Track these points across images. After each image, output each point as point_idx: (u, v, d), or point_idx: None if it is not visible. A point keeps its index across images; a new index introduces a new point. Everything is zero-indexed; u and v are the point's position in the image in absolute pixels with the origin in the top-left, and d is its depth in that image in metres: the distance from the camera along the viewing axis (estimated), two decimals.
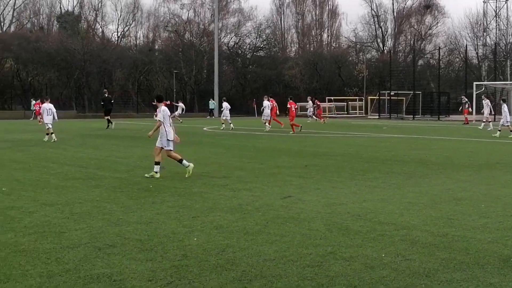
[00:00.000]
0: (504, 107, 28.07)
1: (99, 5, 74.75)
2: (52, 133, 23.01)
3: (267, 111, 32.10)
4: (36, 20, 74.41)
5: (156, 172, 12.27)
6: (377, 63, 73.66)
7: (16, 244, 6.56)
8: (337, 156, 16.86)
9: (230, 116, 34.63)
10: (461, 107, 43.55)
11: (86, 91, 66.72)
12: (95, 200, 9.44)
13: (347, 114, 64.15)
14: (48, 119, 23.32)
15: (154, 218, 8.01)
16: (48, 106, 23.81)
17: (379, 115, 58.14)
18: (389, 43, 79.09)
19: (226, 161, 15.55)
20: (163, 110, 12.58)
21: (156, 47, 76.54)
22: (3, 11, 71.06)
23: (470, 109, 43.81)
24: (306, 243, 6.58)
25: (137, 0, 75.15)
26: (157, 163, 12.35)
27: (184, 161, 12.45)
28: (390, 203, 9.07)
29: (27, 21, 73.88)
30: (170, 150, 12.57)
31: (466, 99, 44.06)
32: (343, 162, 15.24)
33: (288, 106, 31.92)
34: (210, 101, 59.99)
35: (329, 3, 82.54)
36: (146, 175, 12.34)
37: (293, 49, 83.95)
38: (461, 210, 8.52)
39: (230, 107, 35.05)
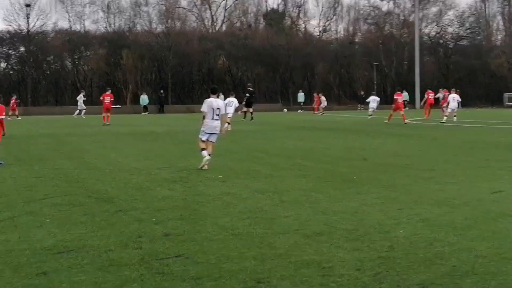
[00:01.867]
0: None
1: (302, 1, 76.70)
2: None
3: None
4: (244, 19, 78.57)
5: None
6: None
7: (232, 228, 6.99)
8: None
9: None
10: None
11: (291, 84, 69.02)
12: (302, 189, 9.73)
13: None
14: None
15: (359, 208, 8.05)
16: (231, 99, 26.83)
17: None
18: None
19: (431, 154, 15.06)
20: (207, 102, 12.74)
21: (356, 40, 76.50)
22: (216, 11, 76.24)
23: None
24: None
25: None
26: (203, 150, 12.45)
27: (203, 152, 12.33)
28: None
29: (236, 20, 78.33)
30: (202, 139, 12.65)
31: None
32: None
33: (395, 97, 31.70)
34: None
35: None
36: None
37: (499, 37, 78.38)
38: None
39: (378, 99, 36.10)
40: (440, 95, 36.95)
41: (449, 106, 31.69)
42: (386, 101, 63.83)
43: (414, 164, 12.91)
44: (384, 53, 70.27)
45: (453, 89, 33.27)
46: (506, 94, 62.22)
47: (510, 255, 5.64)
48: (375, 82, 66.57)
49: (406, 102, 56.44)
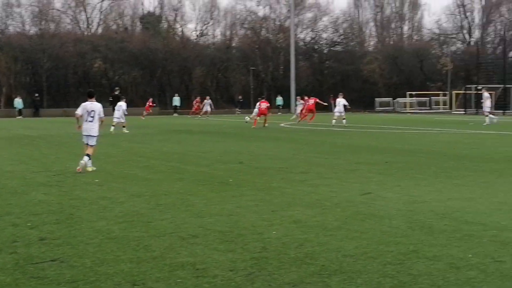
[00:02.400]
0: None
1: (178, 5, 76.36)
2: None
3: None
4: (121, 22, 76.89)
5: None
6: (463, 55, 71.08)
7: (108, 231, 6.93)
8: (419, 153, 16.46)
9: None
10: None
11: (168, 88, 68.47)
12: (178, 192, 9.72)
13: (430, 109, 62.42)
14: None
15: (234, 211, 8.14)
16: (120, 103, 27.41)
17: (465, 111, 56.17)
18: (476, 34, 76.24)
19: (304, 157, 15.55)
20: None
21: (233, 44, 77.39)
22: (91, 13, 73.94)
23: None
24: (387, 240, 6.48)
25: None
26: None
27: (85, 156, 12.66)
28: (478, 203, 8.72)
29: (112, 23, 76.47)
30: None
31: None
32: (426, 159, 14.87)
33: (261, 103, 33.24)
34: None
35: None
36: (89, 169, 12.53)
37: (371, 43, 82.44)
38: None
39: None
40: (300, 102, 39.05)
41: (335, 110, 33.49)
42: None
43: (289, 167, 13.25)
44: (261, 57, 71.61)
45: (340, 93, 34.82)
46: (377, 99, 65.72)
47: (375, 254, 5.91)
48: (252, 86, 67.77)
49: (280, 106, 58.05)
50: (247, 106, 65.05)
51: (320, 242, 6.42)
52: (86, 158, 12.54)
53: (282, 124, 34.99)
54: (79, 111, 13.07)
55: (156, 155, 16.11)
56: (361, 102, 62.82)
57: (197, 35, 76.05)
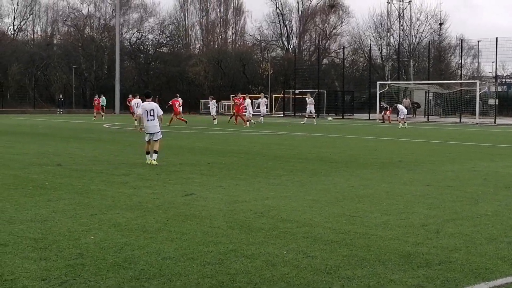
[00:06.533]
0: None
1: None
2: None
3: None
4: None
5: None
6: (282, 61, 74.64)
7: None
8: (240, 154, 16.94)
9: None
10: (383, 111, 45.21)
11: None
12: None
13: (252, 112, 64.59)
14: None
15: (49, 216, 7.69)
16: None
17: (283, 113, 59.10)
18: (294, 41, 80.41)
19: (126, 159, 15.23)
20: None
21: (55, 41, 73.79)
22: None
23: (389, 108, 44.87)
24: (207, 240, 6.53)
25: None
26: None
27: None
28: (293, 201, 9.15)
29: None
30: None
31: (386, 105, 45.52)
32: (246, 160, 15.33)
33: (171, 103, 34.64)
34: (101, 97, 58.81)
35: (234, 0, 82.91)
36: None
37: (197, 46, 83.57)
38: (363, 208, 8.62)
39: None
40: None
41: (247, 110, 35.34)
42: (86, 105, 63.08)
43: (110, 169, 12.88)
44: (84, 56, 69.17)
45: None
46: (202, 101, 66.60)
47: (195, 255, 5.92)
48: (74, 85, 65.13)
49: (103, 107, 56.49)
50: (69, 105, 62.38)
51: (140, 245, 6.30)
52: None
53: (105, 125, 34.00)
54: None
55: None
56: (186, 103, 63.18)
57: (14, 30, 71.36)
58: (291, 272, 5.43)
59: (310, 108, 39.16)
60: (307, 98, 39.88)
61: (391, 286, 5.09)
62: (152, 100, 14.58)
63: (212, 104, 38.85)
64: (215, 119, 36.87)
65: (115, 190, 9.99)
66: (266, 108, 43.90)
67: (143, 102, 15.13)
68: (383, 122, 44.07)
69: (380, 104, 47.32)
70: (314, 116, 39.53)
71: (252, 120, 35.05)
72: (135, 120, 31.54)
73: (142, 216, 7.81)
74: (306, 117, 39.60)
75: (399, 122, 36.60)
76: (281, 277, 5.27)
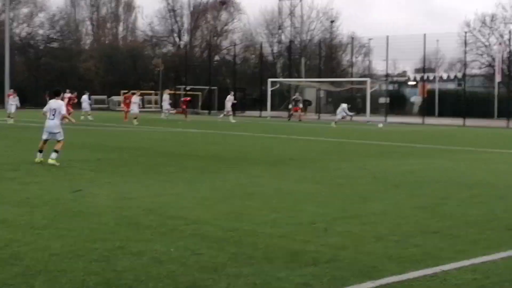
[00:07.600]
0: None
1: None
2: None
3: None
4: None
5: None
6: (173, 57, 74.19)
7: None
8: (130, 150, 16.77)
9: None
10: (290, 105, 45.44)
11: None
12: None
13: (143, 108, 63.74)
14: None
15: None
16: None
17: (175, 110, 58.70)
18: (186, 38, 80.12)
19: (15, 154, 14.67)
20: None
21: None
22: None
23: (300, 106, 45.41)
24: (94, 237, 6.49)
25: None
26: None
27: None
28: (182, 198, 9.18)
29: None
30: None
31: (299, 98, 46.10)
32: (136, 156, 15.20)
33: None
34: None
35: None
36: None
37: (88, 42, 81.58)
38: (252, 205, 8.65)
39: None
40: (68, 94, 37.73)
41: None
42: None
43: None
44: None
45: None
46: (93, 97, 64.75)
47: (82, 252, 5.88)
48: None
49: None
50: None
51: (26, 241, 6.20)
52: None
53: None
54: None
55: None
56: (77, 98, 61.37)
57: None
58: (178, 269, 5.46)
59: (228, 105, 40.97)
60: (229, 96, 41.98)
61: (278, 284, 5.09)
62: (48, 97, 14.20)
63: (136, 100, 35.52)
64: (136, 118, 32.83)
65: (3, 186, 9.76)
66: (170, 105, 43.88)
67: (50, 99, 14.32)
68: (290, 119, 43.72)
69: (292, 97, 47.86)
70: (230, 114, 40.89)
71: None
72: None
73: (29, 212, 7.66)
74: (224, 114, 41.43)
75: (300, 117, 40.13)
76: (167, 274, 5.30)
